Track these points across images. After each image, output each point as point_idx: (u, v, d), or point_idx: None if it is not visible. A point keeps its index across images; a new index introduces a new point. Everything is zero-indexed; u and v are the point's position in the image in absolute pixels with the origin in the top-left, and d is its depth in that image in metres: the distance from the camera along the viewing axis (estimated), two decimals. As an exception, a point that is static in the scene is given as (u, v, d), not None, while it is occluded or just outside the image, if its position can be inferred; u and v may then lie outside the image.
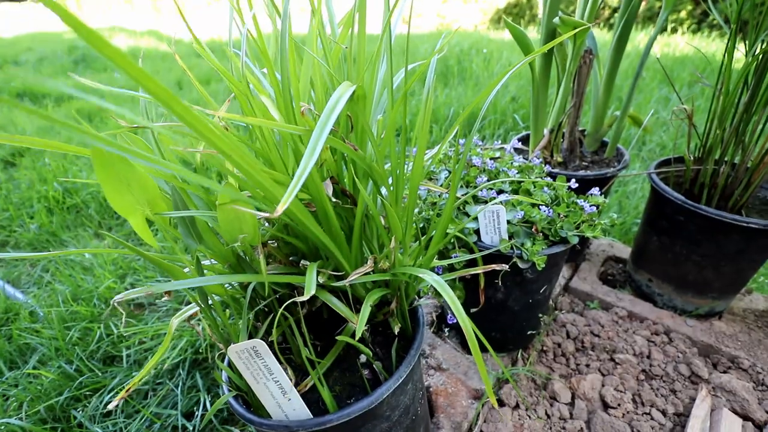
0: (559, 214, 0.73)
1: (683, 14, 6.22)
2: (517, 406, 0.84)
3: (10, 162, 2.23)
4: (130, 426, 0.92)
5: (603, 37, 4.23)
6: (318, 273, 0.49)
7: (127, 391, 0.50)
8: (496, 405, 0.42)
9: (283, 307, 0.48)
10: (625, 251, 1.24)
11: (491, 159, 0.89)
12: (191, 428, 0.92)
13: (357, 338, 0.42)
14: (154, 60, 4.39)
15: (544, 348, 0.96)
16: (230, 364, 0.57)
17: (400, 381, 0.47)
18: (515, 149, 1.15)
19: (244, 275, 0.44)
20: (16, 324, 1.16)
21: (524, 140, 1.21)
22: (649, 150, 2.02)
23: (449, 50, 3.77)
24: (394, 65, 0.45)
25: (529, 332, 0.90)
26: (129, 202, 0.39)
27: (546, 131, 1.02)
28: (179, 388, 1.00)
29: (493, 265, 0.60)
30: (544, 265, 0.67)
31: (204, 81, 3.49)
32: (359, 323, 0.40)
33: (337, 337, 0.47)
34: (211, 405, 0.94)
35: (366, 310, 0.43)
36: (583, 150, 1.13)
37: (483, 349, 0.93)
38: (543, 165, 0.88)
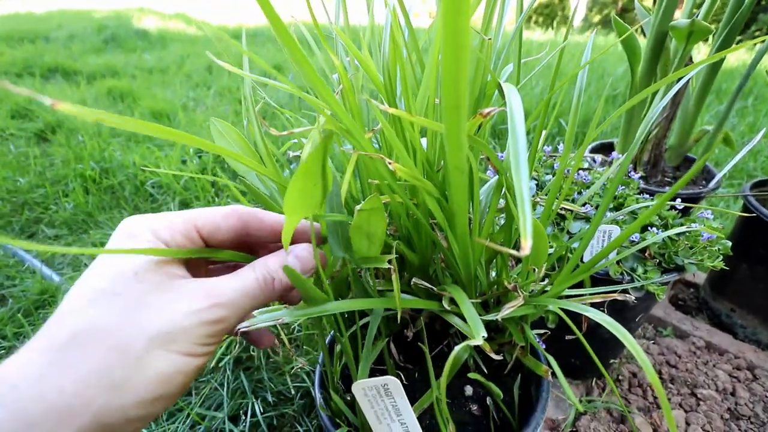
0: (672, 239, 0.65)
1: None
2: (597, 441, 0.78)
3: (43, 137, 2.20)
4: (173, 426, 0.87)
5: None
6: (439, 297, 0.43)
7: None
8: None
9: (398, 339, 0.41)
10: (696, 274, 1.16)
11: (582, 170, 0.82)
12: (238, 434, 0.87)
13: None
14: (184, 43, 4.34)
15: (620, 377, 0.89)
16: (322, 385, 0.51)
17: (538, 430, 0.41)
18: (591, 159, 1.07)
19: (383, 300, 0.38)
20: (51, 308, 1.12)
21: (595, 150, 1.14)
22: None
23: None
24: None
25: (611, 360, 0.83)
26: (302, 202, 0.31)
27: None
28: (224, 389, 0.96)
29: (616, 295, 0.53)
30: (663, 296, 0.60)
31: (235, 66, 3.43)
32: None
33: (469, 375, 0.41)
34: (261, 412, 0.89)
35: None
36: (663, 165, 1.05)
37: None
38: (639, 181, 0.80)
